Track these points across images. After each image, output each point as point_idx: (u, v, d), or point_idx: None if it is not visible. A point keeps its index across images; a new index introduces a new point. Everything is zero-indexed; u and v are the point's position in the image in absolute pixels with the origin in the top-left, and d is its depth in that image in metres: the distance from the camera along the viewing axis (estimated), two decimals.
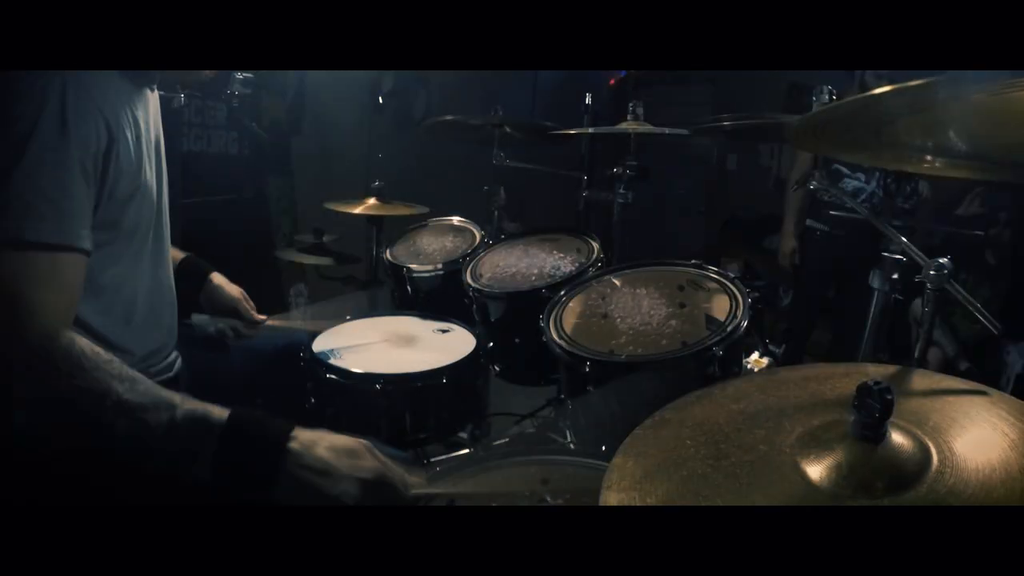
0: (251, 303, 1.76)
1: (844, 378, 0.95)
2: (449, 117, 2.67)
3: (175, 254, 1.54)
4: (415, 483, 1.10)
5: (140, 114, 1.23)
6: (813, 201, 3.30)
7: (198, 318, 1.71)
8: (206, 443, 0.99)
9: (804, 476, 0.75)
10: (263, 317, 1.77)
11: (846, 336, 3.39)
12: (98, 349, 1.02)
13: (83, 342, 1.01)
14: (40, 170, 1.01)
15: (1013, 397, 0.84)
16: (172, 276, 1.44)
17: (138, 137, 1.21)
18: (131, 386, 1.00)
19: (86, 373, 0.98)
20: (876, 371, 0.96)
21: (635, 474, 0.81)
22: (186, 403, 1.01)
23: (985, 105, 0.94)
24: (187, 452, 1.00)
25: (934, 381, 0.92)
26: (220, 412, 1.02)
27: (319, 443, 1.04)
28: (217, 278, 1.73)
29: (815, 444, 0.79)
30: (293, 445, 1.02)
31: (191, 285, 1.66)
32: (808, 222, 3.37)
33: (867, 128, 1.07)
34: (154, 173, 1.29)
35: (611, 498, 0.77)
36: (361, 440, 1.09)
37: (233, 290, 1.74)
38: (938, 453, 0.74)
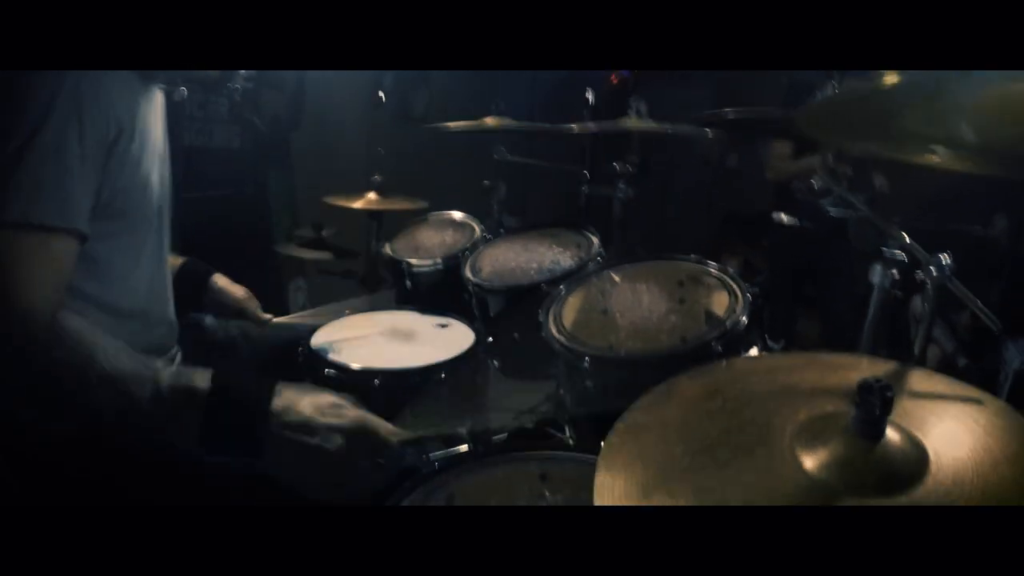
0: (256, 302, 1.76)
1: (807, 368, 0.94)
2: (451, 125, 2.66)
3: (173, 259, 1.54)
4: (398, 432, 1.15)
5: (146, 110, 1.26)
6: (782, 195, 3.29)
7: (211, 321, 1.72)
8: (191, 410, 1.02)
9: (811, 476, 0.74)
10: (269, 316, 1.77)
11: (832, 325, 3.40)
12: (83, 323, 1.03)
13: (70, 317, 1.03)
14: (50, 155, 1.04)
15: (1006, 403, 0.83)
16: (169, 273, 1.45)
17: (144, 131, 1.23)
18: (115, 356, 1.02)
19: (67, 346, 1.00)
20: (839, 361, 0.95)
21: (631, 492, 0.77)
22: (168, 370, 1.04)
23: (992, 94, 0.93)
24: (172, 420, 1.02)
25: (925, 380, 0.91)
26: (203, 378, 1.04)
27: (301, 399, 1.07)
28: (220, 280, 1.73)
29: (815, 442, 0.77)
30: (276, 403, 1.05)
31: (194, 288, 1.67)
32: (785, 217, 3.36)
33: (873, 117, 1.06)
34: (157, 168, 1.30)
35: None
36: (344, 395, 1.13)
37: (237, 291, 1.74)
38: (933, 453, 0.74)
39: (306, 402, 1.07)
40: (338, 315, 1.95)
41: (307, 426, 1.05)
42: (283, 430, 1.04)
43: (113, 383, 1.00)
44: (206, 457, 1.05)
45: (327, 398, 1.10)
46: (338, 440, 1.06)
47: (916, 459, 0.74)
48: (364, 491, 1.18)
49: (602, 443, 1.21)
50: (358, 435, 1.08)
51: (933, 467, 0.73)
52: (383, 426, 1.12)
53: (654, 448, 0.82)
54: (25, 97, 1.04)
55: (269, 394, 1.06)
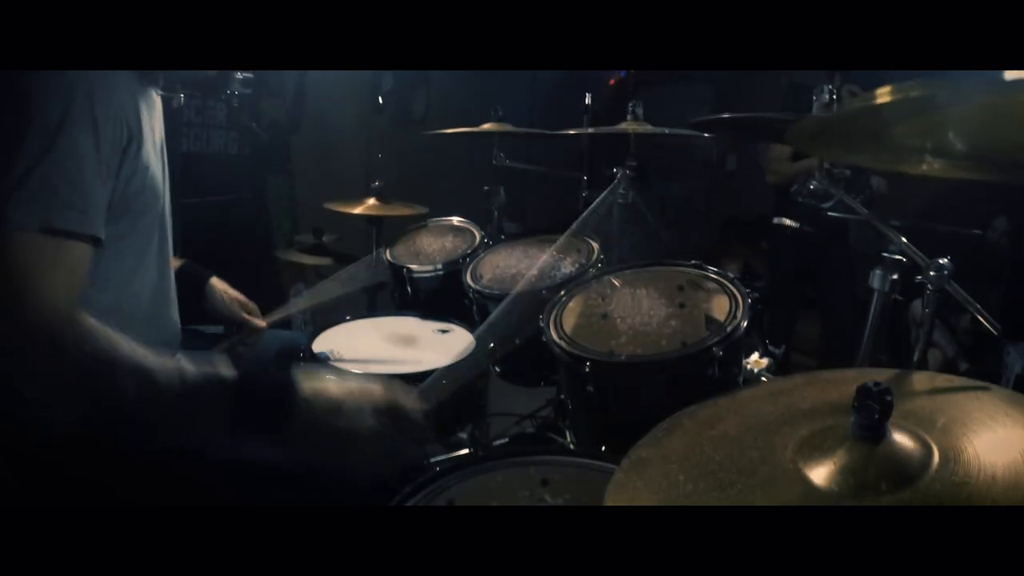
0: (252, 306, 1.75)
1: (809, 387, 0.94)
2: (449, 130, 2.66)
3: (173, 262, 1.54)
4: (422, 405, 1.14)
5: (147, 113, 1.26)
6: (782, 198, 3.28)
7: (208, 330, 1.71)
8: (221, 398, 1.00)
9: (814, 486, 0.74)
10: (264, 324, 1.76)
11: (832, 327, 3.40)
12: (96, 321, 1.02)
13: (89, 318, 1.01)
14: (67, 160, 1.03)
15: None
16: (173, 276, 1.44)
17: (148, 133, 1.24)
18: (140, 351, 1.00)
19: (94, 342, 0.98)
20: (842, 376, 0.95)
21: None
22: (191, 361, 1.02)
23: (985, 106, 0.94)
24: (202, 408, 1.01)
25: (931, 380, 0.91)
26: (227, 365, 1.03)
27: (327, 383, 1.07)
28: (217, 284, 1.72)
29: (815, 453, 0.77)
30: (303, 389, 1.04)
31: (191, 291, 1.66)
32: (787, 221, 3.35)
33: (866, 131, 1.07)
34: (160, 172, 1.30)
35: None
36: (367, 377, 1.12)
37: (233, 296, 1.74)
38: (940, 451, 0.73)
39: (333, 385, 1.07)
40: (336, 319, 1.95)
41: (338, 408, 1.04)
42: (314, 414, 1.03)
43: (141, 372, 0.98)
44: (236, 445, 1.04)
45: (353, 380, 1.10)
46: (369, 421, 1.05)
47: (920, 454, 0.73)
48: (392, 472, 1.17)
49: (603, 449, 1.21)
50: (388, 414, 1.08)
51: (938, 459, 0.72)
52: (411, 403, 1.12)
53: (658, 480, 0.82)
54: (39, 105, 1.03)
55: (294, 380, 1.05)
